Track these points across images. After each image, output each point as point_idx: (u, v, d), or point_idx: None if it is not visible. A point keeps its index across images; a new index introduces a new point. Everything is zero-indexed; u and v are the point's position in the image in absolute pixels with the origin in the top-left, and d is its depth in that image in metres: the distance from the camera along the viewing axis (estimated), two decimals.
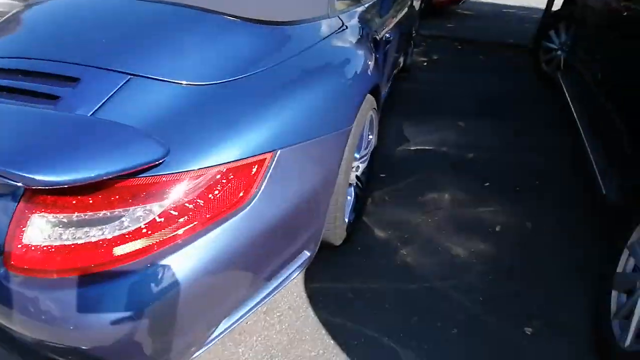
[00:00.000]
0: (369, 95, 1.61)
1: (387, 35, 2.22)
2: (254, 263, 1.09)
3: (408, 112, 3.17)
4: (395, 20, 2.55)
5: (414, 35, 3.89)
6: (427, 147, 2.69)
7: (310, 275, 1.66)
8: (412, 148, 2.67)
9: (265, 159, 1.03)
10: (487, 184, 2.30)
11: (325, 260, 1.72)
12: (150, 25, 1.21)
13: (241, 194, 0.99)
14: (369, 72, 1.62)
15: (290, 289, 1.60)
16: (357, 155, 1.73)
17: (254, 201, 1.01)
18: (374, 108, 1.76)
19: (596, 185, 1.83)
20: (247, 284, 1.11)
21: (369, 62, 1.65)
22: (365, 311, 1.52)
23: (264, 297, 1.19)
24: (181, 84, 1.04)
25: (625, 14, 2.11)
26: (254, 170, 1.01)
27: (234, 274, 1.04)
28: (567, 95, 2.75)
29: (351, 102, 1.43)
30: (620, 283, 1.42)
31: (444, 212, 2.06)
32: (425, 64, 4.39)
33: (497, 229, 1.96)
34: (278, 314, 1.51)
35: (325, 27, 1.52)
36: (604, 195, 1.74)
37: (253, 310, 1.17)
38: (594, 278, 1.69)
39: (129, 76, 1.01)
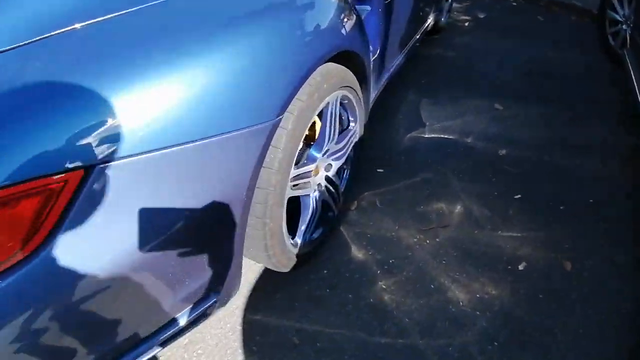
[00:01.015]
0: (330, 65, 1.07)
1: None
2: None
3: (431, 88, 2.55)
4: None
5: None
6: (446, 136, 2.11)
7: (254, 302, 1.28)
8: (426, 136, 2.11)
9: (67, 181, 0.59)
10: (519, 196, 1.72)
11: (278, 283, 1.32)
12: None
13: (12, 241, 0.58)
14: (333, 29, 1.06)
15: (224, 319, 1.24)
16: (319, 155, 1.21)
17: (43, 253, 0.59)
18: (348, 86, 1.21)
19: None
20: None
21: (334, 15, 1.09)
22: None
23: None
24: None
25: None
26: (37, 202, 0.58)
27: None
28: (634, 81, 2.06)
29: (281, 73, 0.89)
30: None
31: (450, 232, 1.54)
32: (466, 24, 3.64)
33: (521, 267, 1.42)
34: (199, 350, 1.17)
35: None
36: None
37: None
38: None
39: None
